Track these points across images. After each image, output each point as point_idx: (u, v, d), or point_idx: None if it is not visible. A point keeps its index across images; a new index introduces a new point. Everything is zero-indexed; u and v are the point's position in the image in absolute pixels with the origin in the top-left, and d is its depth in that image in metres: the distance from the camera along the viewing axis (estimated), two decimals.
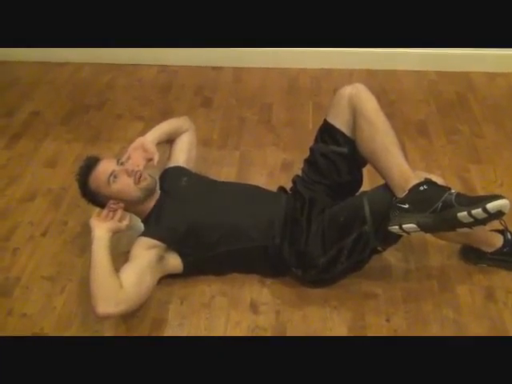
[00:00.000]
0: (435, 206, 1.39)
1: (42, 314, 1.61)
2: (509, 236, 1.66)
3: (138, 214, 1.70)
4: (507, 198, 1.39)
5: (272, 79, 2.72)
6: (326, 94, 2.53)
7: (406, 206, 1.43)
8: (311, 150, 1.73)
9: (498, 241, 1.66)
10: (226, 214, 1.64)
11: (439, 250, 1.75)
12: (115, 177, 1.60)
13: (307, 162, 1.74)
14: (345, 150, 1.63)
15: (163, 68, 2.81)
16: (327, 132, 1.67)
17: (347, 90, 1.62)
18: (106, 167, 1.62)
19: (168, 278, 1.64)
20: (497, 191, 1.98)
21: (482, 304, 1.60)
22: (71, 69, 2.83)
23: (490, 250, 1.67)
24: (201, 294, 1.65)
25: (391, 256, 1.70)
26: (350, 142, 1.62)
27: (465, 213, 1.37)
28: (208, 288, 1.67)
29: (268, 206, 1.67)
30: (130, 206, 1.64)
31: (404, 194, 1.45)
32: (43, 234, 1.87)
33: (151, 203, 1.67)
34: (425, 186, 1.44)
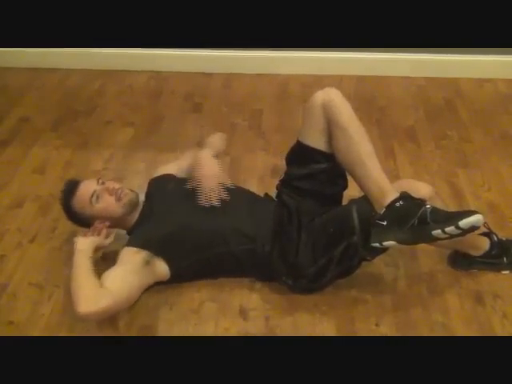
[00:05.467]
0: (411, 223, 1.42)
1: (30, 322, 1.60)
2: (495, 238, 1.68)
3: (123, 228, 1.72)
4: (480, 213, 1.42)
5: (262, 85, 2.72)
6: None
7: (385, 223, 1.46)
8: (288, 175, 1.71)
9: (485, 244, 1.67)
10: (213, 216, 1.62)
11: (428, 255, 1.75)
12: (97, 197, 1.64)
13: (287, 185, 1.71)
14: (324, 165, 1.63)
15: (153, 74, 2.80)
16: (304, 154, 1.65)
17: (319, 98, 1.58)
18: (86, 188, 1.66)
19: (156, 285, 1.64)
20: (485, 196, 1.99)
21: (471, 308, 1.60)
22: (61, 75, 2.82)
23: (478, 253, 1.68)
24: (190, 300, 1.64)
25: (380, 261, 1.70)
26: (329, 156, 1.61)
27: (439, 231, 1.40)
28: (197, 294, 1.66)
29: (257, 211, 1.67)
30: (115, 222, 1.67)
31: (382, 211, 1.47)
32: (31, 241, 1.86)
33: (135, 215, 1.70)
34: (401, 202, 1.46)
